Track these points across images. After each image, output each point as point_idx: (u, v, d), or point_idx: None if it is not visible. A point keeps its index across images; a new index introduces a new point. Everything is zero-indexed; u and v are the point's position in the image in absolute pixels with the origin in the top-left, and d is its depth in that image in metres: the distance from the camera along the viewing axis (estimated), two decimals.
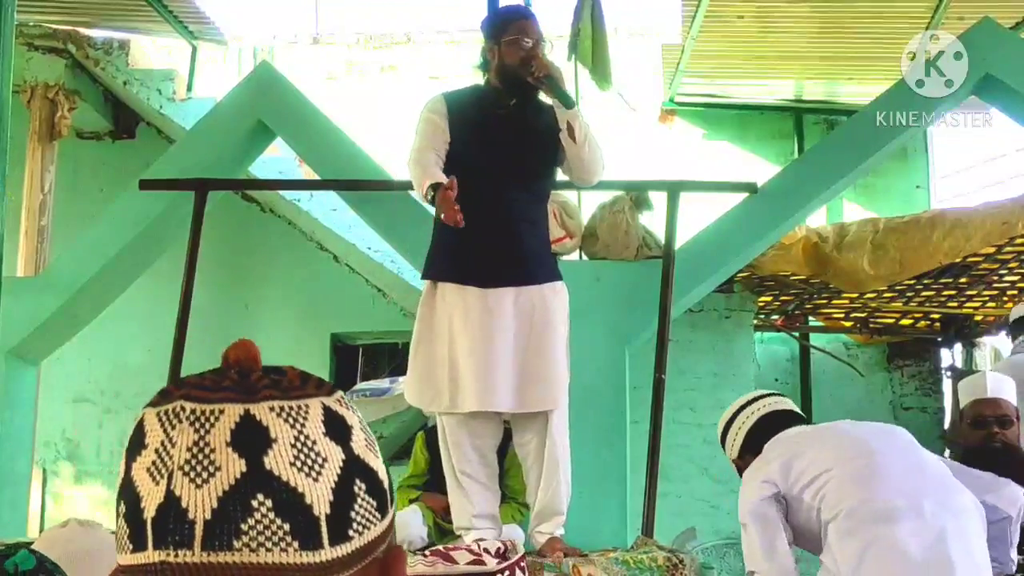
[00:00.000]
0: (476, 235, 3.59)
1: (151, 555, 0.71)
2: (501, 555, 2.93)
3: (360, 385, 7.66)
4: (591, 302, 4.57)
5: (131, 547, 0.73)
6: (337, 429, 0.76)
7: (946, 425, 7.50)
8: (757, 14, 6.64)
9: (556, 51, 4.46)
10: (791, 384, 7.83)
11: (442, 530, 4.56)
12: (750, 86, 7.85)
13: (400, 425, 7.10)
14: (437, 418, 3.79)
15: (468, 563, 2.88)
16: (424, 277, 3.80)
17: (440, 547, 3.18)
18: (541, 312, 3.67)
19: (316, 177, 5.53)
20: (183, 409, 0.73)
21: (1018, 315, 5.36)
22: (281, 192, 7.13)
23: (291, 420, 0.74)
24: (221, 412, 0.73)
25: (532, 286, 3.68)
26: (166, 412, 0.74)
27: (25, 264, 6.75)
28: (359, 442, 0.78)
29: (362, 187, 5.09)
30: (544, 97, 3.76)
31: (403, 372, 7.57)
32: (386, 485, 0.79)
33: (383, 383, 7.60)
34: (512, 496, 4.48)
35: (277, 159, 6.79)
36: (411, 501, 4.72)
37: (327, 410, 0.77)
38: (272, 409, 0.74)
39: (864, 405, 7.61)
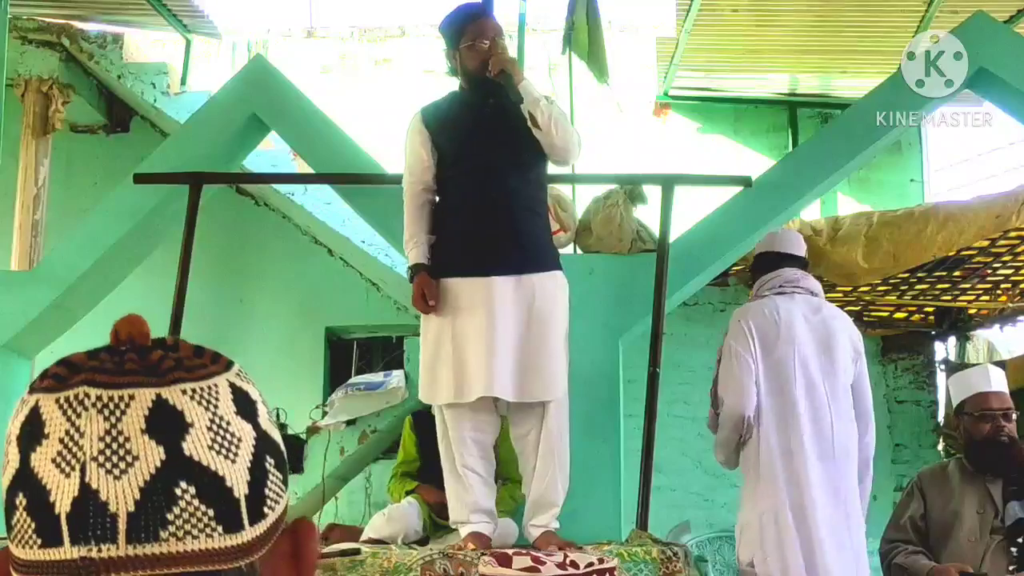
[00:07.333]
0: (478, 226, 3.67)
1: (69, 551, 0.69)
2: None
3: (354, 379, 7.65)
4: (585, 296, 4.56)
5: (39, 542, 0.70)
6: (245, 406, 0.75)
7: (940, 418, 7.51)
8: (752, 7, 6.64)
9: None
10: None
11: (437, 525, 4.56)
12: (745, 79, 7.85)
13: (394, 419, 7.10)
14: (436, 413, 3.79)
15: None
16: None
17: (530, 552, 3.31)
18: (541, 301, 3.69)
19: (310, 171, 5.52)
20: (87, 396, 0.70)
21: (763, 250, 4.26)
22: (275, 186, 7.12)
23: (204, 402, 0.72)
24: (131, 398, 0.70)
25: (533, 274, 3.71)
26: (67, 399, 0.70)
27: (19, 258, 6.74)
28: (264, 416, 0.77)
29: (356, 180, 5.08)
30: None
31: (397, 366, 7.66)
32: (285, 456, 0.79)
33: (377, 377, 7.61)
34: (508, 477, 4.45)
35: (271, 153, 6.77)
36: (407, 493, 4.71)
37: (234, 387, 0.75)
38: (184, 392, 0.72)
39: None
